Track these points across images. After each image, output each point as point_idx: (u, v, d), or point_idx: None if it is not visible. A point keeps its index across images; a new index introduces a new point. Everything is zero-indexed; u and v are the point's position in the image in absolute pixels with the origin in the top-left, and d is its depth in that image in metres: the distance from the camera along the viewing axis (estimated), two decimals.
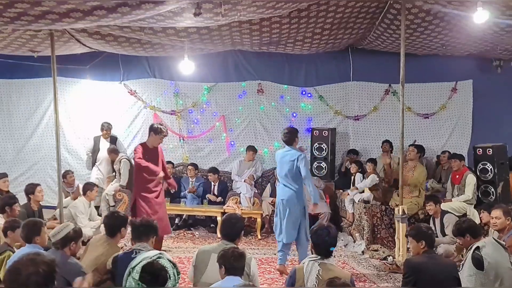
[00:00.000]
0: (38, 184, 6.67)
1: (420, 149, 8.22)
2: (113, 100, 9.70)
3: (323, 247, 3.79)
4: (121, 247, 4.75)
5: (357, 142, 9.79)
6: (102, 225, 6.84)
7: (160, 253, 3.38)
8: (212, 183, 9.05)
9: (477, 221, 7.01)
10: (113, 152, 8.86)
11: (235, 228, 4.26)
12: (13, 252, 4.47)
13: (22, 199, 6.64)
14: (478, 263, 4.24)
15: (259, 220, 8.23)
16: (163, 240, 7.78)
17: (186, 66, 7.68)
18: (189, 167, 9.09)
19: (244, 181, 8.96)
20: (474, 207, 7.38)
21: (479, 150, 7.87)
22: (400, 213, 6.16)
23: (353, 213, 8.10)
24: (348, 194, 8.21)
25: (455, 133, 9.76)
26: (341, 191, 8.87)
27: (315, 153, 9.15)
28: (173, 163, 9.11)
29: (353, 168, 8.57)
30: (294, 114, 9.78)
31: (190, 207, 8.62)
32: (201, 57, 8.93)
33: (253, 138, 9.79)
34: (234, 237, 4.23)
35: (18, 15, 5.05)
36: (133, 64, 9.53)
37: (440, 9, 6.50)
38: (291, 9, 6.31)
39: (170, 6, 5.30)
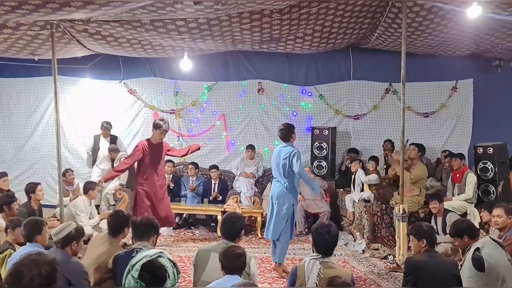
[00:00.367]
0: (39, 183, 6.65)
1: (421, 148, 8.22)
2: (113, 99, 9.71)
3: (324, 245, 3.79)
4: (122, 246, 4.73)
5: (357, 141, 9.79)
6: (102, 223, 6.96)
7: (160, 252, 3.37)
8: (213, 182, 9.05)
9: (478, 220, 7.05)
10: (114, 150, 8.86)
11: (235, 227, 4.26)
12: (14, 250, 4.47)
13: (23, 198, 6.65)
14: (479, 264, 4.21)
15: (259, 219, 8.22)
16: (164, 239, 7.83)
17: (185, 64, 7.67)
18: (190, 166, 9.09)
19: (240, 174, 9.07)
20: (475, 206, 7.39)
21: (479, 149, 7.87)
22: (401, 212, 6.16)
23: (353, 212, 8.11)
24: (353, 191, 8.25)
25: (455, 132, 9.76)
26: (341, 190, 8.89)
27: (315, 152, 9.16)
28: (173, 162, 9.11)
29: (353, 167, 8.58)
30: (295, 113, 9.78)
31: (190, 206, 8.61)
32: (202, 56, 8.94)
33: (253, 137, 9.79)
34: (234, 236, 4.23)
35: (19, 4, 5.04)
36: (134, 63, 9.53)
37: (442, 6, 6.49)
38: (291, 1, 6.28)
39: None
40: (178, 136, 9.73)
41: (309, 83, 9.80)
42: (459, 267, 4.32)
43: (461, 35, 7.71)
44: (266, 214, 8.33)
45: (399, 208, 6.19)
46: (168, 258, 3.32)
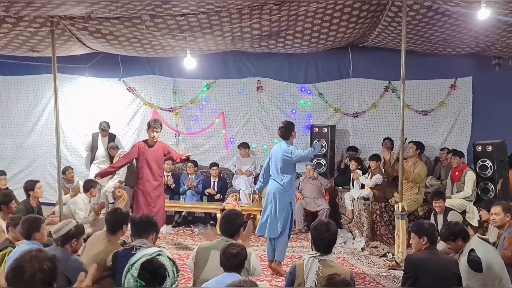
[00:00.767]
0: (38, 181, 6.66)
1: (420, 146, 8.22)
2: (113, 97, 9.70)
3: (323, 243, 3.79)
4: (121, 244, 4.73)
5: (356, 139, 9.79)
6: (100, 220, 6.96)
7: (159, 250, 3.37)
8: (212, 180, 9.05)
9: (477, 217, 7.07)
10: (114, 148, 8.85)
11: (234, 224, 4.27)
12: (14, 248, 4.46)
13: (21, 196, 6.64)
14: (476, 265, 4.23)
15: (258, 216, 8.20)
16: (163, 237, 7.83)
17: (189, 62, 7.65)
18: (189, 164, 9.07)
19: (236, 172, 9.09)
20: (474, 204, 7.39)
21: (478, 147, 7.87)
22: (400, 210, 6.16)
23: (352, 210, 8.11)
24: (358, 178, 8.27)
25: (454, 130, 9.75)
26: (340, 188, 8.89)
27: None
28: (172, 160, 9.09)
29: (352, 165, 8.58)
30: (294, 111, 9.78)
31: (189, 204, 8.61)
32: (201, 54, 8.93)
33: (252, 134, 9.80)
34: (233, 233, 4.23)
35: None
36: (133, 61, 9.51)
37: (442, 5, 6.49)
38: None
39: None
40: (176, 134, 9.70)
41: (309, 81, 9.79)
42: None
43: (461, 32, 7.70)
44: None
45: (399, 206, 6.20)
46: (167, 257, 3.32)
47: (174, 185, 8.85)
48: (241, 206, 8.09)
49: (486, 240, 4.52)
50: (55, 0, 5.48)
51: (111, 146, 8.91)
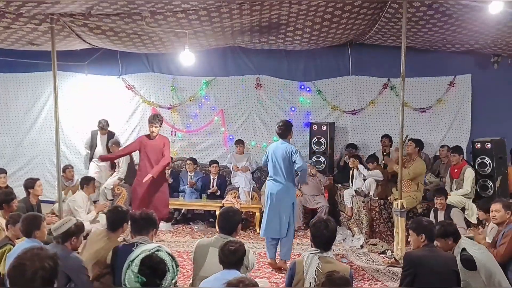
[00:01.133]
0: (38, 179, 6.67)
1: (419, 143, 8.23)
2: (112, 94, 9.69)
3: (322, 239, 3.79)
4: (121, 242, 4.73)
5: (355, 136, 9.80)
6: (100, 217, 6.98)
7: (158, 246, 3.38)
8: (211, 177, 9.05)
9: (476, 215, 7.08)
10: (116, 144, 8.84)
11: (232, 221, 4.28)
12: (13, 245, 4.47)
13: (21, 194, 6.65)
14: (470, 263, 4.27)
15: (258, 214, 8.24)
16: (162, 234, 7.84)
17: (187, 57, 7.62)
18: (188, 161, 9.09)
19: (233, 169, 9.10)
20: (473, 201, 7.40)
21: (477, 144, 7.88)
22: (399, 207, 6.17)
23: (351, 207, 8.12)
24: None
25: (453, 128, 9.76)
26: (339, 185, 8.90)
27: (314, 148, 9.18)
28: (171, 157, 9.10)
29: (351, 162, 8.59)
30: (293, 109, 9.78)
31: (188, 202, 8.62)
32: (200, 51, 8.92)
33: (251, 132, 9.80)
34: (231, 230, 4.24)
35: None
36: (132, 59, 9.51)
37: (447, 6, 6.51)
38: None
39: None
40: (172, 131, 9.69)
41: (308, 78, 9.79)
42: None
43: (461, 32, 7.74)
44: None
45: (398, 204, 6.21)
46: (166, 252, 3.32)
47: (172, 181, 8.84)
48: (240, 204, 8.11)
49: (472, 239, 4.57)
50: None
51: (113, 142, 8.88)
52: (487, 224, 5.84)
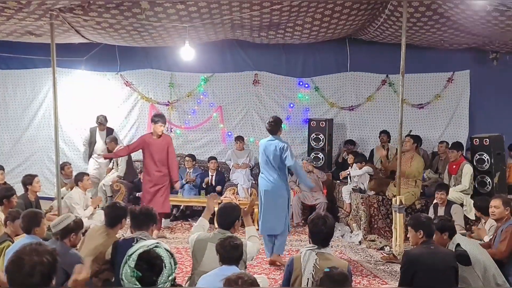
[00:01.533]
0: (36, 175, 6.67)
1: (417, 139, 8.24)
2: (110, 91, 9.68)
3: (320, 236, 3.81)
4: (120, 238, 4.74)
5: (354, 132, 9.81)
6: (97, 213, 6.98)
7: (157, 242, 3.38)
8: (210, 174, 9.05)
9: (474, 211, 7.09)
10: (113, 141, 8.83)
11: (230, 216, 4.29)
12: (12, 242, 4.47)
13: (19, 191, 6.64)
14: (464, 258, 4.28)
15: (256, 210, 8.20)
16: (161, 230, 7.84)
17: (187, 52, 7.63)
18: (187, 158, 9.09)
19: (233, 166, 9.11)
20: (471, 197, 7.41)
21: (476, 140, 7.89)
22: (397, 204, 6.18)
23: (350, 203, 8.13)
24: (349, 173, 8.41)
25: (452, 124, 9.77)
26: (338, 181, 8.91)
27: (312, 144, 9.18)
28: None
29: (350, 158, 8.61)
30: (291, 105, 9.78)
31: (187, 198, 8.60)
32: (199, 48, 8.89)
33: (250, 128, 9.81)
34: (229, 225, 4.25)
35: None
36: (130, 55, 9.49)
37: (442, 4, 6.51)
38: None
39: None
40: (169, 127, 9.67)
41: (306, 74, 9.80)
42: None
43: (459, 35, 7.77)
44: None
45: (396, 200, 6.22)
46: (165, 249, 3.33)
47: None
48: (239, 200, 8.10)
49: (465, 236, 4.61)
50: None
51: (111, 138, 8.85)
52: (483, 221, 5.86)
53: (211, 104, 9.78)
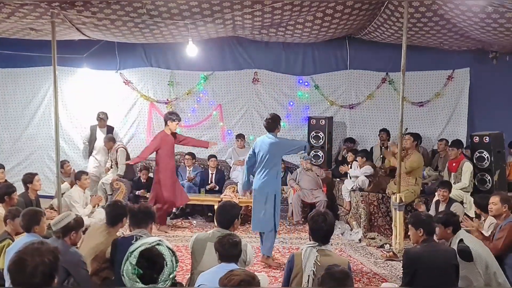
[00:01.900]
0: (36, 174, 6.68)
1: (417, 137, 8.24)
2: (110, 89, 9.68)
3: (320, 233, 3.81)
4: (119, 236, 4.74)
5: (353, 130, 9.81)
6: (97, 211, 6.98)
7: (159, 240, 3.39)
8: (210, 172, 9.05)
9: (474, 208, 7.09)
10: (111, 140, 8.83)
11: (229, 214, 4.30)
12: (12, 240, 4.47)
13: (20, 189, 6.64)
14: (466, 254, 4.28)
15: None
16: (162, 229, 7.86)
17: (191, 49, 7.66)
18: (187, 156, 9.09)
19: (234, 163, 9.12)
20: (471, 195, 7.42)
21: (475, 138, 7.89)
22: (397, 201, 6.19)
23: (350, 201, 8.13)
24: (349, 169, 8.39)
25: (452, 121, 9.78)
26: (338, 179, 8.91)
27: (312, 142, 9.17)
28: None
29: (350, 156, 8.60)
30: (291, 103, 9.78)
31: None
32: (198, 46, 8.88)
33: (250, 126, 9.80)
34: (228, 224, 4.26)
35: None
36: (130, 53, 9.50)
37: (442, 5, 6.51)
38: None
39: None
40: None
41: (306, 72, 9.79)
42: None
43: (458, 39, 7.78)
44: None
45: (396, 197, 6.22)
46: (167, 246, 3.33)
47: None
48: (238, 198, 8.10)
49: (469, 232, 4.63)
50: None
51: (109, 138, 8.86)
52: (483, 218, 5.86)
53: (211, 102, 9.78)
